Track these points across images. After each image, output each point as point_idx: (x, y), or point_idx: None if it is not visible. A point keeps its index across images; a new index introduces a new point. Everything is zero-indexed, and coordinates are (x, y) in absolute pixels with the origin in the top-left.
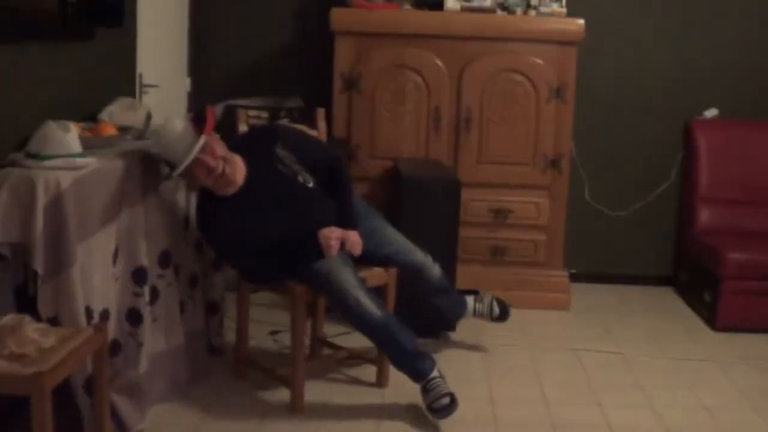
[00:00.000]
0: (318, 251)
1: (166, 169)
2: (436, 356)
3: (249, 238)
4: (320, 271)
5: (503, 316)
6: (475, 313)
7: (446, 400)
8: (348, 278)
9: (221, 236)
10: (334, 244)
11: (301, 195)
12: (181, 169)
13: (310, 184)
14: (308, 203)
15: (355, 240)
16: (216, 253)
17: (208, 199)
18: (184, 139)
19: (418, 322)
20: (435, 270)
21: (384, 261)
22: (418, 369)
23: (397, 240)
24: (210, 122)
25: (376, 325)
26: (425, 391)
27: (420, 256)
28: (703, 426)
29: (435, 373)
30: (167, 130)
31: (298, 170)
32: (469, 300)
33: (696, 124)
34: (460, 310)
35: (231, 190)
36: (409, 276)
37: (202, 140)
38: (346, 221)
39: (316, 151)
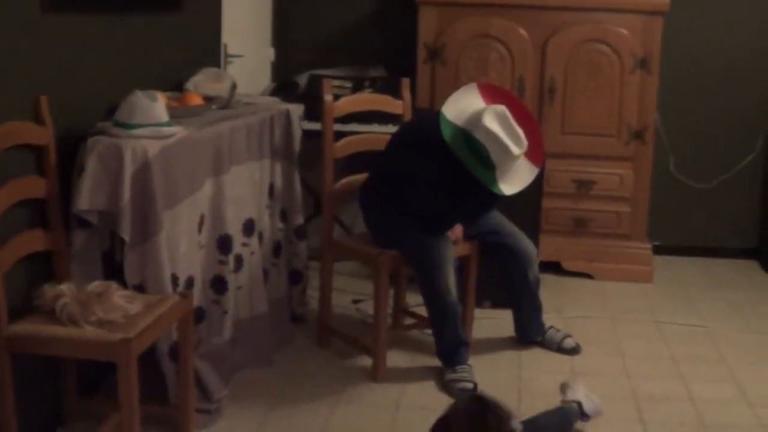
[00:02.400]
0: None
1: None
2: (510, 324)
3: (428, 179)
4: (426, 239)
5: (573, 351)
6: (545, 338)
7: (470, 386)
8: (447, 252)
9: (403, 156)
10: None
11: (470, 184)
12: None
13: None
14: (469, 195)
15: (459, 233)
16: (387, 156)
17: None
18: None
19: (496, 290)
20: (535, 267)
21: (491, 243)
22: (455, 359)
23: (504, 224)
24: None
25: (445, 307)
26: (453, 370)
27: (528, 246)
28: None
29: (466, 364)
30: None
31: None
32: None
33: None
34: (536, 328)
35: None
36: (509, 262)
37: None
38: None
39: None
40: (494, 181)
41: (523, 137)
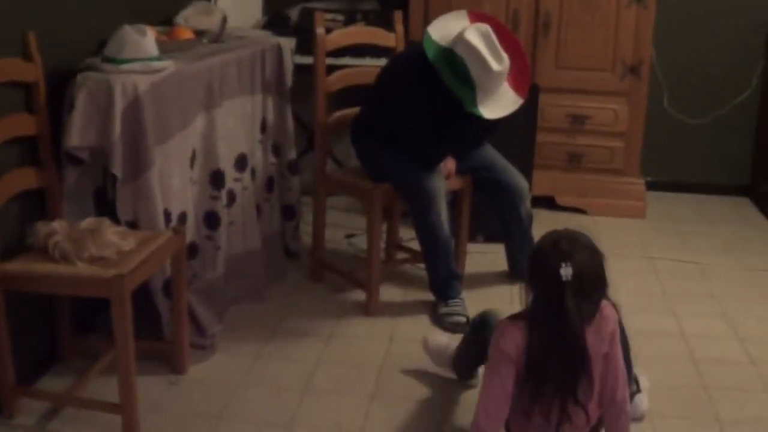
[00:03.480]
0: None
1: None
2: (502, 258)
3: (420, 110)
4: (418, 172)
5: None
6: None
7: (462, 320)
8: (439, 186)
9: (393, 88)
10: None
11: (460, 114)
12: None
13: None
14: (459, 125)
15: (451, 167)
16: (379, 86)
17: (409, 64)
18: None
19: (489, 225)
20: (527, 203)
21: (483, 178)
22: (447, 292)
23: (497, 159)
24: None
25: (437, 240)
26: (445, 304)
27: (521, 182)
28: None
29: (459, 298)
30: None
31: None
32: None
33: None
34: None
35: None
36: (502, 197)
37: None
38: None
39: None
40: (474, 102)
41: (505, 57)
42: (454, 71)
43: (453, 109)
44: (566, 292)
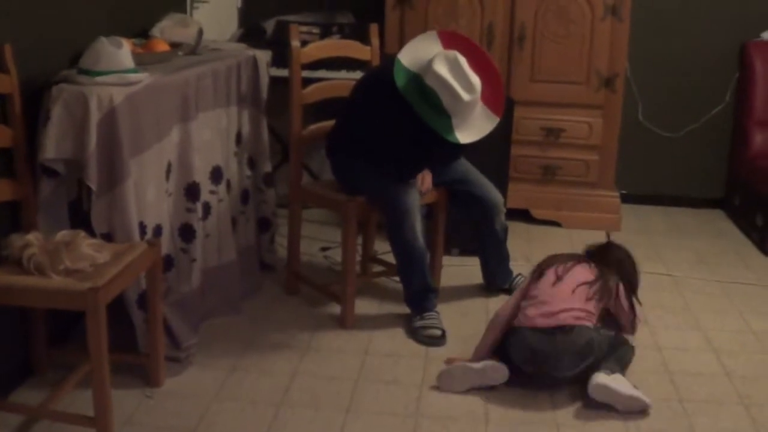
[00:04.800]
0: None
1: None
2: (478, 271)
3: (394, 124)
4: (392, 186)
5: None
6: (512, 285)
7: (438, 333)
8: (414, 199)
9: (367, 103)
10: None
11: (432, 131)
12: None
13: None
14: (432, 142)
15: (428, 183)
16: (352, 101)
17: (383, 81)
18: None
19: (464, 238)
20: (502, 216)
21: (458, 191)
22: (423, 305)
23: (472, 172)
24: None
25: (412, 253)
26: (420, 317)
27: (496, 196)
28: (751, 349)
29: (434, 311)
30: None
31: None
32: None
33: (753, 45)
34: (504, 276)
35: None
36: (476, 211)
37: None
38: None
39: None
40: (450, 129)
41: (477, 83)
42: (426, 101)
43: (426, 128)
44: None
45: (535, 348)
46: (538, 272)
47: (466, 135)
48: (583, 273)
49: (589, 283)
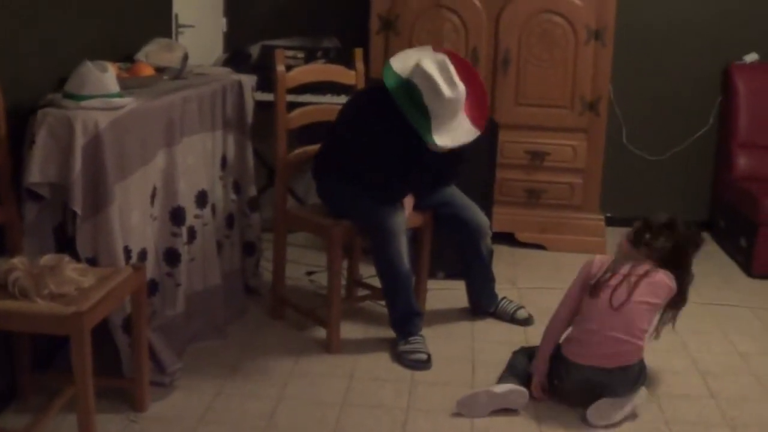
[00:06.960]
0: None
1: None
2: (463, 295)
3: (382, 146)
4: (378, 208)
5: (526, 322)
6: (498, 309)
7: (423, 357)
8: (400, 223)
9: (354, 125)
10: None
11: (426, 155)
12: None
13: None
14: (420, 163)
15: (410, 207)
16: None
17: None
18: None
19: (450, 261)
20: (487, 239)
21: (444, 214)
22: (408, 329)
23: (457, 195)
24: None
25: (398, 276)
26: (406, 341)
27: (481, 219)
28: (737, 371)
29: (419, 335)
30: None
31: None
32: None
33: (735, 68)
34: (489, 299)
35: None
36: (462, 234)
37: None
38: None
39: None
40: (429, 131)
41: (460, 86)
42: (411, 100)
43: (415, 143)
44: None
45: (593, 382)
46: (594, 289)
47: (443, 139)
48: (651, 289)
49: (654, 306)
